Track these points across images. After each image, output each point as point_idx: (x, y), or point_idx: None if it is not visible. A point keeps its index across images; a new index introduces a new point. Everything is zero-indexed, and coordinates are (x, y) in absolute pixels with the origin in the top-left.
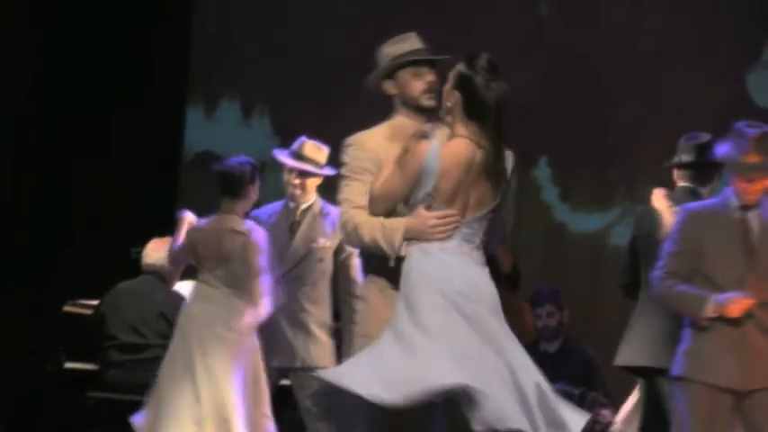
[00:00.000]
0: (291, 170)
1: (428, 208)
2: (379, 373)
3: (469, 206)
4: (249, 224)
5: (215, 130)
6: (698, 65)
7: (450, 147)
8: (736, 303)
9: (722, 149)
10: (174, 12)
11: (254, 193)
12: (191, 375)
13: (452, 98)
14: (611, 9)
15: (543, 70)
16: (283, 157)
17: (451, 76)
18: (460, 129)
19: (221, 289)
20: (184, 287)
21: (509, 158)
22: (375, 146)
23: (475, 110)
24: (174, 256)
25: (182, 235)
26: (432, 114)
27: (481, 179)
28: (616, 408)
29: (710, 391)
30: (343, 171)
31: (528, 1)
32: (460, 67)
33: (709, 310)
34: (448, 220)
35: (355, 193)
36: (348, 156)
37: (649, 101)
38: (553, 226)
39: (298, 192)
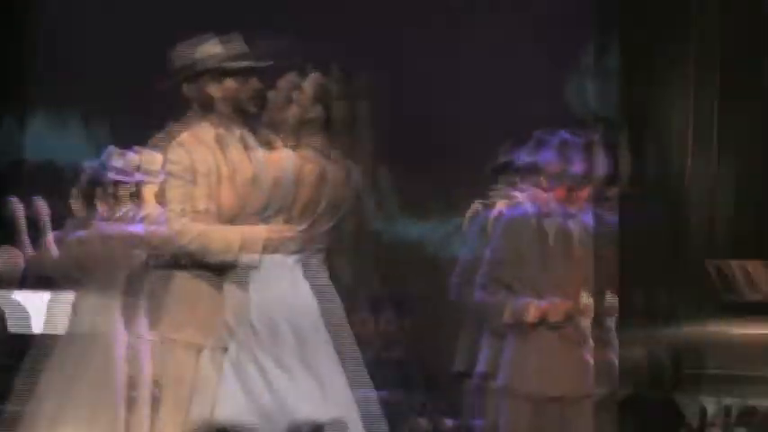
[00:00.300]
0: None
1: (285, 220)
2: (256, 402)
3: (316, 217)
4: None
5: (37, 138)
6: (519, 74)
7: (301, 157)
8: (553, 308)
9: (525, 157)
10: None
11: None
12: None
13: (313, 111)
14: (435, 17)
15: (378, 79)
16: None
17: (310, 87)
18: (311, 139)
19: (115, 300)
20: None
21: (355, 169)
22: (198, 148)
23: (333, 121)
24: (46, 266)
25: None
26: (251, 120)
27: (328, 190)
28: (457, 416)
29: (532, 400)
30: (166, 173)
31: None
32: (318, 78)
33: (520, 317)
34: (295, 231)
35: (184, 196)
36: (169, 157)
37: (484, 110)
38: (391, 235)
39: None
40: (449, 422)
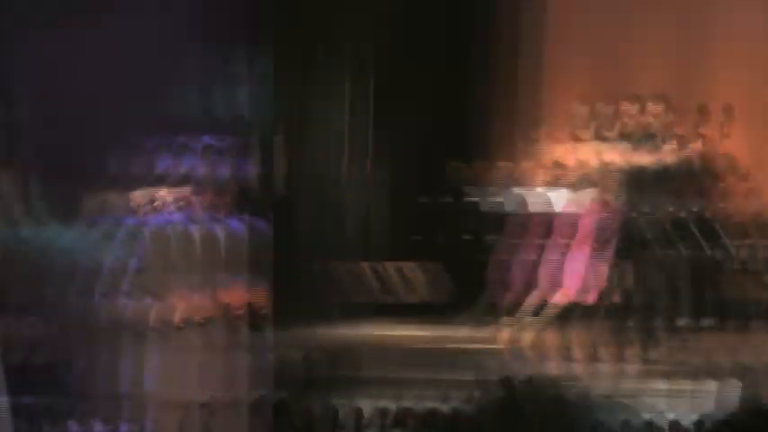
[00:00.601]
0: None
1: None
2: None
3: None
4: None
5: None
6: (168, 76)
7: None
8: (198, 309)
9: (170, 163)
10: None
11: None
12: None
13: None
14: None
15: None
16: None
17: None
18: None
19: None
20: None
21: None
22: None
23: None
24: None
25: None
26: None
27: None
28: (108, 420)
29: (177, 405)
30: None
31: None
32: None
33: (166, 319)
34: None
35: None
36: None
37: (130, 115)
38: (36, 241)
39: None
40: (99, 426)
